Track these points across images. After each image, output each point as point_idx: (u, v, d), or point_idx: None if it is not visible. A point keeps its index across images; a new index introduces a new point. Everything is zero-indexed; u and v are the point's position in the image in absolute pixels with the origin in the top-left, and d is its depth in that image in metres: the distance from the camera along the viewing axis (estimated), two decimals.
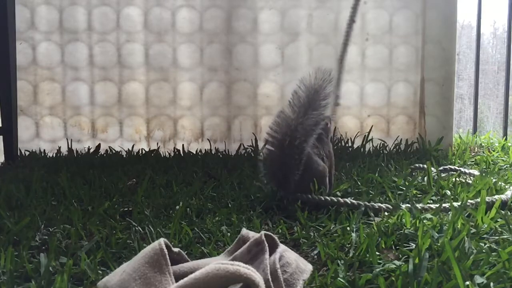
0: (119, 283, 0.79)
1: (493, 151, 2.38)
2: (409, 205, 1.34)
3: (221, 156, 2.37)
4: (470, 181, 1.72)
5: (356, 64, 2.49)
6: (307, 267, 0.87)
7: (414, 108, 2.51)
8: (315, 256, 1.11)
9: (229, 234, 1.23)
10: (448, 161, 2.16)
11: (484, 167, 2.02)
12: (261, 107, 2.50)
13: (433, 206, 1.40)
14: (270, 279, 0.76)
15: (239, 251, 0.85)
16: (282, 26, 2.46)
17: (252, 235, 0.89)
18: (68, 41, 2.42)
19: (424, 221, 1.23)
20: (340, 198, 1.47)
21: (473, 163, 2.14)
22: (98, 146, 2.45)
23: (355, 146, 2.43)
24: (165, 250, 0.80)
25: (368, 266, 1.02)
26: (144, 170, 1.98)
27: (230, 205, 1.49)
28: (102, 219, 1.36)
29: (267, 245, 0.83)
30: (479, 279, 0.90)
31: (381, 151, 2.38)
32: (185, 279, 0.71)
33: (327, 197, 1.48)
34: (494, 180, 1.66)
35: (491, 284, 0.88)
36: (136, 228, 1.27)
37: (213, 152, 2.43)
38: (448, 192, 1.55)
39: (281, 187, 1.54)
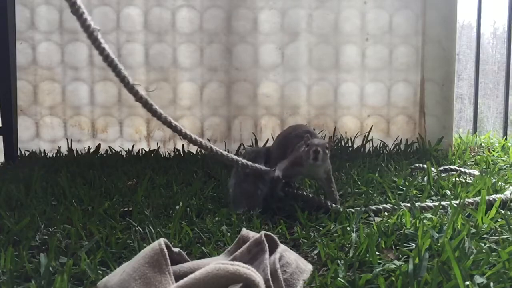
0: (119, 283, 0.79)
1: (493, 151, 2.38)
2: (408, 204, 1.35)
3: None
4: (470, 181, 1.72)
5: (356, 64, 2.49)
6: (307, 267, 0.87)
7: (414, 108, 2.51)
8: (315, 256, 1.11)
9: (229, 234, 1.23)
10: (448, 161, 2.16)
11: (484, 167, 2.02)
12: (261, 107, 2.50)
13: (431, 204, 1.40)
14: (270, 279, 0.77)
15: (239, 251, 0.85)
16: (282, 26, 2.46)
17: (252, 235, 0.89)
18: (68, 41, 2.42)
19: (424, 221, 1.23)
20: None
21: (473, 163, 2.14)
22: (98, 146, 2.44)
23: (355, 146, 2.43)
24: (165, 250, 0.80)
25: (368, 266, 1.02)
26: (144, 170, 1.98)
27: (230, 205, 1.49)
28: (102, 219, 1.36)
29: (267, 245, 0.83)
30: (479, 279, 0.90)
31: (381, 151, 2.38)
32: (185, 279, 0.71)
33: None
34: (494, 180, 1.66)
35: (491, 284, 0.88)
36: (136, 228, 1.27)
37: None
38: (448, 192, 1.55)
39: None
